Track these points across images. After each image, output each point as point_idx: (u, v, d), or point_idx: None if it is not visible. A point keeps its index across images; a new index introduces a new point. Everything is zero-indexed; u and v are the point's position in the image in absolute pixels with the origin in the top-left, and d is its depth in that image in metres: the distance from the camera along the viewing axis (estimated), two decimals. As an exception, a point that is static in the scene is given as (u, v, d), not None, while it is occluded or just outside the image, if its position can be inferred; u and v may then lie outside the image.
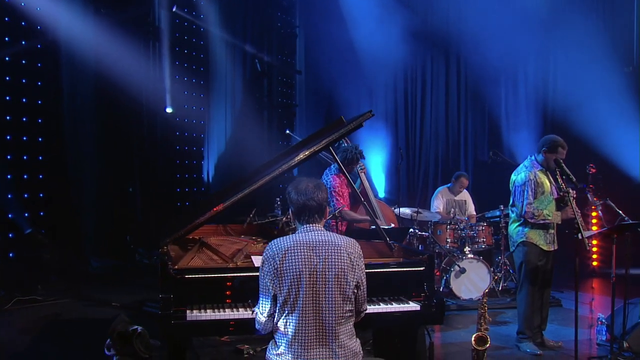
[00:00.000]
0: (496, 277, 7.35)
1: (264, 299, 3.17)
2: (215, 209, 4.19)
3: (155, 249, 9.56)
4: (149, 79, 9.65)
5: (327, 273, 3.09)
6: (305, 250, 3.12)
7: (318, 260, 3.10)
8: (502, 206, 7.61)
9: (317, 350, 3.06)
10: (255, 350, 5.33)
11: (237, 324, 3.57)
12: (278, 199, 6.95)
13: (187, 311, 3.56)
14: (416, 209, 7.43)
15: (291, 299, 3.07)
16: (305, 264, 3.08)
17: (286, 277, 3.07)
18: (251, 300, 3.71)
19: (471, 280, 7.07)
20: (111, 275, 8.77)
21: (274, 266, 3.11)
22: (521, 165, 5.56)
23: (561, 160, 4.93)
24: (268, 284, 3.13)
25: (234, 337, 5.48)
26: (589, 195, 5.15)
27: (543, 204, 5.32)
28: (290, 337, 3.07)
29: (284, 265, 3.08)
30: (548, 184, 5.39)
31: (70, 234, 8.71)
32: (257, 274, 3.72)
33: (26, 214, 7.86)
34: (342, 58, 11.76)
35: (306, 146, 4.48)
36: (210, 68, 10.80)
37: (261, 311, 3.19)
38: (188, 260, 4.21)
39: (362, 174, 6.37)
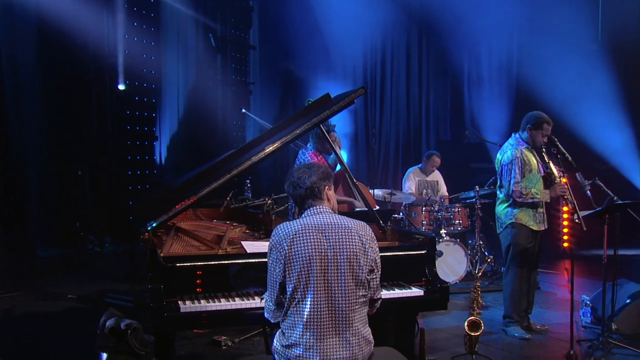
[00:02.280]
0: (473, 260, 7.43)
1: (271, 287, 3.08)
2: (199, 193, 4.02)
3: (107, 236, 9.31)
4: (100, 54, 9.29)
5: (338, 257, 3.01)
6: (315, 234, 3.03)
7: (328, 244, 3.02)
8: (477, 187, 7.68)
9: (331, 339, 2.98)
10: (234, 341, 5.21)
11: (235, 314, 3.45)
12: (248, 180, 6.80)
13: (179, 302, 3.42)
14: (390, 190, 7.41)
15: (301, 286, 2.97)
16: (315, 249, 2.99)
17: (295, 263, 2.98)
18: (247, 289, 3.62)
19: (448, 264, 7.11)
20: (61, 265, 8.42)
21: (281, 252, 3.01)
22: (506, 144, 5.57)
23: (555, 139, 4.96)
24: (277, 271, 3.03)
25: (209, 329, 5.34)
26: (577, 175, 5.18)
27: (531, 182, 5.36)
28: (302, 326, 2.98)
29: (293, 250, 2.99)
30: (535, 161, 5.42)
31: (14, 221, 8.32)
32: (252, 260, 3.68)
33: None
34: (299, 33, 11.62)
35: (293, 125, 4.36)
36: (161, 41, 10.44)
37: (270, 299, 3.11)
38: (167, 248, 4.05)
39: (337, 147, 6.23)
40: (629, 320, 5.27)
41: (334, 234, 3.05)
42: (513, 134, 5.56)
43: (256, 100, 12.36)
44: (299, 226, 3.05)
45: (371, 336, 3.15)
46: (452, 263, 7.11)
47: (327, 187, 3.23)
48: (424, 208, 7.39)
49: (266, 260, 3.62)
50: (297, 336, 2.99)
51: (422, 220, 7.35)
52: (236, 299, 3.53)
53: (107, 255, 9.09)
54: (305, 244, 2.99)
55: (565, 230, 9.13)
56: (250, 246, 3.94)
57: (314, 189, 3.16)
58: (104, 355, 3.04)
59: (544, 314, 6.13)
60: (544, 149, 5.33)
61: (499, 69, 11.80)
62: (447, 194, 8.24)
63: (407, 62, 12.31)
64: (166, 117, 10.72)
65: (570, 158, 4.90)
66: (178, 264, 3.53)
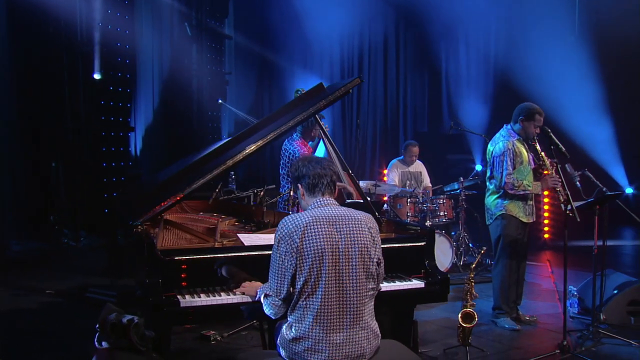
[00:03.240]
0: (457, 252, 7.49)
1: (279, 281, 3.02)
2: (192, 185, 3.96)
3: (83, 229, 9.16)
4: (74, 42, 9.11)
5: (350, 250, 3.00)
6: (326, 226, 3.00)
7: (340, 237, 3.00)
8: (461, 178, 7.73)
9: (340, 333, 2.97)
10: (223, 335, 5.17)
11: (236, 308, 3.41)
12: (232, 172, 6.74)
13: (179, 297, 3.37)
14: (374, 182, 7.42)
15: (312, 280, 2.95)
16: (327, 241, 2.97)
17: (307, 256, 2.95)
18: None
19: (433, 255, 7.13)
20: (35, 260, 8.26)
21: (292, 245, 2.97)
22: (498, 135, 5.60)
23: (548, 129, 5.00)
24: (286, 264, 2.98)
25: (208, 323, 5.30)
26: (567, 167, 5.22)
27: (522, 174, 5.40)
28: (311, 320, 2.95)
29: (304, 243, 2.96)
30: (526, 153, 5.47)
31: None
32: (252, 253, 3.64)
33: None
34: (276, 22, 11.56)
35: (288, 115, 4.34)
36: (136, 29, 10.28)
37: (276, 293, 3.05)
38: (160, 241, 3.99)
39: (325, 133, 6.19)
40: (616, 311, 5.36)
41: (345, 226, 3.03)
42: (505, 125, 5.59)
43: (232, 90, 12.27)
44: (310, 218, 3.02)
45: (378, 329, 3.15)
46: (437, 254, 7.08)
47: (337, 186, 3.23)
48: (408, 200, 7.41)
49: (266, 252, 3.63)
50: (306, 329, 2.97)
51: (407, 212, 7.38)
52: (236, 292, 3.49)
53: (82, 249, 8.94)
54: (318, 237, 2.97)
55: (546, 221, 9.28)
56: (247, 239, 3.90)
57: (334, 178, 3.16)
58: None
59: (531, 305, 6.20)
60: (536, 140, 5.37)
61: (477, 60, 11.90)
62: (430, 184, 8.28)
63: (384, 53, 12.31)
64: (141, 108, 10.59)
65: (563, 149, 4.94)
66: (176, 257, 3.47)
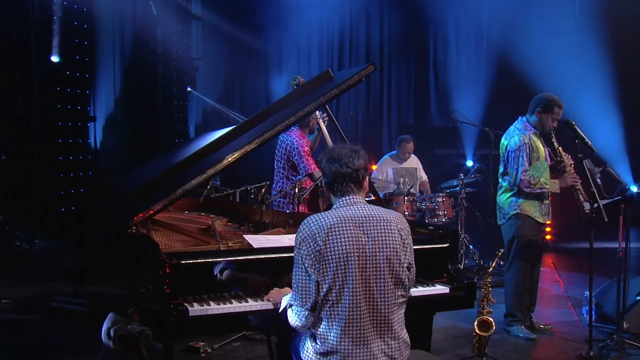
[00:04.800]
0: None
1: (303, 289, 2.98)
2: (192, 181, 3.91)
3: (38, 231, 8.97)
4: (26, 19, 8.91)
5: (377, 254, 2.98)
6: (352, 228, 2.98)
7: (367, 240, 2.98)
8: (461, 175, 7.79)
9: (372, 345, 2.96)
10: (213, 347, 5.11)
11: (256, 317, 3.39)
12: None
13: (186, 305, 3.32)
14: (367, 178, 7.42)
15: (337, 287, 2.92)
16: (353, 244, 2.95)
17: (331, 261, 2.92)
18: (259, 289, 3.55)
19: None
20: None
21: (315, 248, 2.94)
22: (512, 128, 5.64)
23: (573, 122, 5.05)
24: (308, 269, 2.95)
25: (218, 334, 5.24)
26: (586, 162, 5.22)
27: (539, 171, 5.45)
28: (339, 331, 2.93)
29: (328, 246, 2.93)
30: (543, 148, 5.53)
31: None
32: (265, 256, 3.61)
33: None
34: (249, 3, 11.50)
35: (296, 104, 4.33)
36: (94, 7, 10.09)
37: (301, 304, 3.00)
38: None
39: (324, 125, 6.20)
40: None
41: (372, 228, 3.01)
42: (520, 117, 5.63)
43: (201, 77, 12.18)
44: (334, 219, 2.99)
45: (409, 339, 3.16)
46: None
47: (367, 177, 3.21)
48: (405, 198, 7.45)
49: (278, 255, 3.63)
50: (334, 342, 2.95)
51: (405, 211, 7.41)
52: (249, 300, 3.46)
53: (38, 252, 8.76)
54: (343, 239, 2.94)
55: (548, 222, 9.40)
56: (254, 240, 3.87)
57: (359, 173, 3.11)
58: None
59: (544, 312, 6.29)
60: (553, 135, 5.43)
61: (468, 46, 11.98)
62: (426, 179, 8.34)
63: (367, 37, 12.33)
64: (101, 96, 10.42)
65: (590, 143, 5.01)
66: (183, 262, 3.42)
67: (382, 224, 3.04)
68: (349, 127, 9.47)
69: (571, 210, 5.81)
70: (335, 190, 3.14)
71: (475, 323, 4.80)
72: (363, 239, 2.98)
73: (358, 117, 12.17)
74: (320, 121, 6.12)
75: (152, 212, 3.77)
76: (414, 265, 3.16)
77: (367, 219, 3.03)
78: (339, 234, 2.95)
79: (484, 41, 11.73)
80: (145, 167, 5.72)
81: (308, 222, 3.03)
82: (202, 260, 3.47)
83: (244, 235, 3.99)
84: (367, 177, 3.20)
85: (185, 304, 3.32)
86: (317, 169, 5.88)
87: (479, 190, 8.29)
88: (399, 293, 3.06)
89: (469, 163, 11.05)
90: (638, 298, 5.56)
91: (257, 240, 3.87)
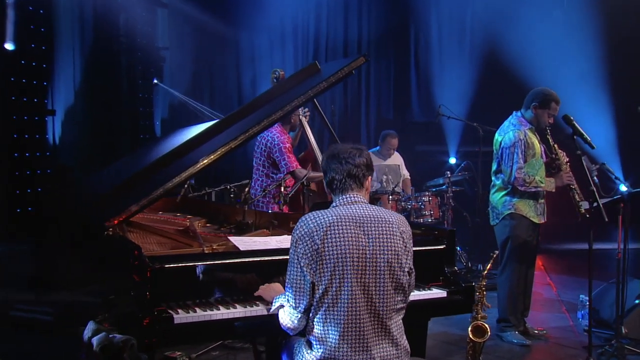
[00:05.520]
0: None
1: (296, 290, 3.02)
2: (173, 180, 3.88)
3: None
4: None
5: (378, 257, 3.00)
6: (352, 228, 3.00)
7: (367, 241, 3.01)
8: (448, 173, 7.85)
9: (373, 351, 2.98)
10: (191, 356, 5.09)
11: (244, 324, 3.38)
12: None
13: (170, 311, 3.30)
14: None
15: (333, 288, 2.94)
16: (352, 245, 2.97)
17: (328, 261, 2.94)
18: (248, 294, 3.55)
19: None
20: None
21: (312, 246, 2.96)
22: (506, 123, 5.70)
23: (571, 117, 5.11)
24: (304, 269, 2.97)
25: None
26: (583, 160, 5.29)
27: (534, 168, 5.52)
28: (337, 336, 2.95)
29: (326, 245, 2.95)
30: (538, 145, 5.59)
31: None
32: (250, 259, 3.60)
33: None
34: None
35: (280, 99, 4.33)
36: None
37: (294, 305, 3.03)
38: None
39: (306, 122, 6.21)
40: (639, 323, 5.54)
41: (374, 228, 3.03)
42: (514, 112, 5.69)
43: (168, 69, 12.05)
44: (333, 217, 3.01)
45: (409, 346, 3.18)
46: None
47: (369, 177, 3.22)
48: (390, 197, 7.49)
49: (267, 258, 3.63)
50: (332, 348, 2.96)
51: (389, 211, 7.43)
52: (237, 306, 3.45)
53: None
54: (341, 239, 2.96)
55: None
56: (241, 242, 3.86)
57: (359, 171, 3.13)
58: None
59: (537, 317, 6.37)
60: (548, 131, 5.50)
61: (450, 38, 12.06)
62: (409, 177, 8.39)
63: (345, 29, 12.33)
64: (60, 87, 10.25)
65: (589, 139, 5.07)
66: (167, 265, 3.40)
67: (384, 225, 3.06)
68: (331, 123, 9.43)
69: (560, 210, 5.90)
70: (334, 188, 3.17)
71: (469, 329, 4.81)
72: (363, 240, 3.00)
73: (335, 111, 12.15)
74: (302, 117, 6.14)
75: (133, 212, 3.74)
76: (414, 270, 3.19)
77: (368, 219, 3.05)
78: (338, 233, 2.97)
79: (467, 31, 11.84)
80: (116, 165, 5.67)
81: (306, 219, 3.04)
82: (187, 264, 3.46)
83: (229, 237, 3.98)
84: (369, 178, 3.22)
85: (170, 311, 3.30)
86: (299, 167, 5.88)
87: (467, 189, 8.36)
88: (399, 298, 3.09)
89: (452, 160, 11.14)
90: (637, 302, 5.64)
91: (243, 243, 3.86)
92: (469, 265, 7.89)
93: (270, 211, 5.24)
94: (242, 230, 4.63)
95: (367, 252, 2.99)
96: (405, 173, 8.45)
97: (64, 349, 5.32)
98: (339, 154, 3.15)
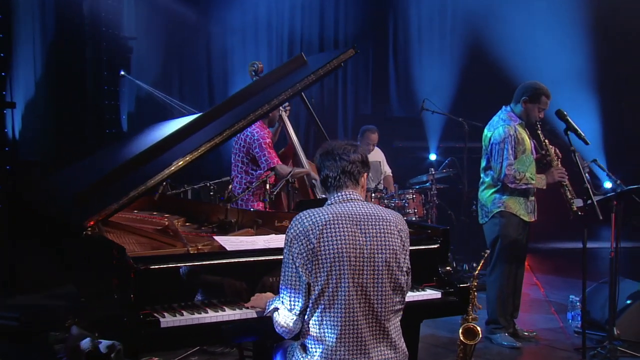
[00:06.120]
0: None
1: (292, 291, 3.04)
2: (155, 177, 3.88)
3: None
4: None
5: (376, 256, 3.04)
6: (349, 226, 3.04)
7: (365, 240, 3.04)
8: (432, 169, 7.92)
9: (372, 354, 3.02)
10: (169, 363, 5.10)
11: (234, 327, 3.39)
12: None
13: (156, 315, 3.30)
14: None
15: (330, 289, 2.97)
16: (349, 244, 3.00)
17: (325, 260, 2.97)
18: (238, 296, 3.56)
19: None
20: None
21: (308, 246, 2.99)
22: (496, 118, 5.76)
23: (565, 112, 5.19)
24: (299, 269, 3.00)
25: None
26: (577, 156, 5.36)
27: (524, 165, 5.60)
28: (333, 340, 2.98)
29: (322, 244, 2.98)
30: (528, 140, 5.67)
31: None
32: (238, 260, 3.62)
33: None
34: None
35: (265, 92, 4.34)
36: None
37: (289, 307, 3.06)
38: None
39: (286, 115, 6.23)
40: (631, 324, 5.64)
41: (371, 227, 3.07)
42: (504, 107, 5.76)
43: (136, 59, 11.95)
44: (330, 215, 3.03)
45: (407, 349, 3.22)
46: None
47: (365, 174, 3.26)
48: (373, 194, 7.53)
49: (256, 259, 3.64)
50: (328, 351, 2.99)
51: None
52: (226, 308, 3.46)
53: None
54: (338, 238, 2.99)
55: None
56: (227, 242, 3.87)
57: (354, 167, 3.17)
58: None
59: (526, 318, 6.46)
60: (539, 126, 5.58)
61: (430, 29, 12.13)
62: (391, 173, 8.45)
63: (320, 20, 12.34)
64: (20, 79, 10.13)
65: (583, 135, 5.16)
66: (152, 267, 3.40)
67: (381, 223, 3.10)
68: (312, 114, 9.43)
69: (544, 208, 5.98)
70: (329, 186, 3.20)
71: (460, 331, 4.87)
72: (361, 239, 3.03)
73: (314, 105, 12.14)
74: (282, 112, 6.16)
75: (113, 210, 3.73)
76: (410, 269, 3.24)
77: (365, 217, 3.09)
78: (335, 232, 3.00)
79: (448, 23, 11.91)
80: (89, 161, 5.64)
81: (301, 218, 3.07)
82: (173, 265, 3.46)
83: (215, 237, 3.98)
84: (365, 174, 3.25)
85: (156, 314, 3.31)
86: (279, 163, 5.90)
87: (451, 186, 8.44)
88: (397, 299, 3.13)
89: (432, 156, 11.20)
90: (628, 302, 5.74)
91: (230, 243, 3.86)
92: (454, 265, 7.97)
93: (252, 209, 5.25)
94: (224, 230, 4.63)
95: (365, 251, 3.02)
96: (386, 170, 8.51)
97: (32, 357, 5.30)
98: (333, 151, 3.19)
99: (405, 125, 11.65)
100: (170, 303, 3.46)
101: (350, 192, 3.17)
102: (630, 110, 10.62)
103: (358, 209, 3.10)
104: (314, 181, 5.93)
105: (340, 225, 3.01)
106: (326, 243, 2.98)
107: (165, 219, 4.92)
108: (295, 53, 12.16)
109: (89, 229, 3.76)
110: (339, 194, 3.16)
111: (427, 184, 7.96)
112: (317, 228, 2.99)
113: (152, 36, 11.73)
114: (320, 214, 3.04)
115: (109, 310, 3.37)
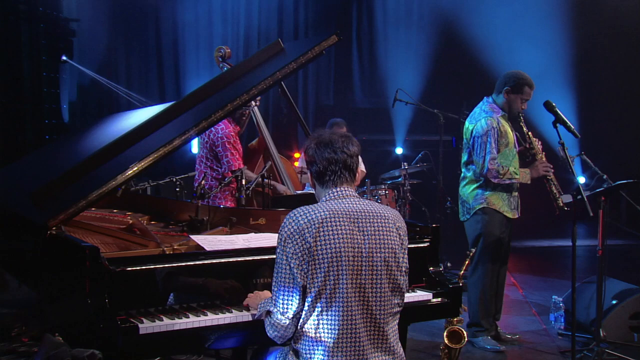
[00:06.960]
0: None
1: (286, 293, 3.02)
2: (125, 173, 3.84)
3: None
4: None
5: (374, 255, 3.05)
6: (346, 224, 3.03)
7: (363, 238, 3.04)
8: (405, 164, 7.98)
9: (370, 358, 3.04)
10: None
11: (210, 333, 3.38)
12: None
13: (133, 320, 3.27)
14: (299, 168, 7.50)
15: (327, 292, 2.97)
16: (347, 243, 3.00)
17: (322, 261, 2.96)
18: (221, 299, 3.55)
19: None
20: None
21: (303, 245, 2.97)
22: (477, 110, 5.81)
23: (553, 104, 5.25)
24: (294, 270, 2.98)
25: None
26: (565, 150, 5.39)
27: (507, 159, 5.66)
28: (330, 344, 2.97)
29: (319, 243, 2.97)
30: (512, 133, 5.74)
31: None
32: (219, 261, 3.60)
33: None
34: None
35: (241, 81, 4.33)
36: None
37: (282, 310, 3.04)
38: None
39: (256, 107, 6.21)
40: (617, 326, 5.78)
41: (369, 224, 3.07)
42: (485, 98, 5.82)
43: (78, 43, 11.78)
44: (326, 212, 3.03)
45: (404, 354, 3.25)
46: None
47: (359, 168, 3.28)
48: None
49: (239, 259, 3.64)
50: (325, 357, 2.98)
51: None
52: (208, 313, 3.44)
53: None
54: (335, 236, 2.98)
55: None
56: (205, 242, 3.85)
57: (354, 160, 3.18)
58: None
59: (507, 320, 6.55)
60: (522, 118, 5.66)
61: (396, 16, 12.19)
62: (365, 170, 8.48)
63: (279, 7, 12.31)
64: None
65: (573, 127, 5.24)
66: (129, 268, 3.37)
67: (379, 220, 3.11)
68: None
69: (523, 205, 6.07)
70: (326, 180, 3.18)
71: (445, 334, 4.93)
72: (359, 237, 3.03)
73: (269, 97, 12.16)
74: (252, 102, 6.14)
75: (80, 208, 3.68)
76: (408, 269, 3.26)
77: (363, 214, 3.09)
78: (332, 230, 2.99)
79: (414, 9, 11.96)
80: (39, 156, 5.56)
81: (295, 215, 3.05)
82: (152, 267, 3.43)
83: (191, 236, 3.96)
84: (359, 168, 3.27)
85: (133, 320, 3.28)
86: (242, 166, 5.85)
87: (425, 181, 8.51)
88: (396, 301, 3.14)
89: (399, 150, 11.29)
90: (614, 302, 5.86)
91: (207, 242, 3.85)
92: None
93: (221, 207, 5.23)
94: (196, 229, 4.59)
95: (363, 250, 3.02)
96: (361, 165, 8.52)
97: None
98: (331, 142, 3.16)
99: (370, 117, 11.69)
100: (146, 307, 3.42)
101: (347, 189, 3.17)
102: (602, 106, 10.81)
103: (355, 205, 3.10)
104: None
105: (338, 223, 3.01)
106: (323, 242, 2.97)
107: (129, 217, 4.88)
108: (252, 40, 12.19)
109: (54, 228, 3.72)
110: (337, 189, 3.16)
111: (399, 179, 8.01)
112: (313, 226, 2.98)
113: (96, 18, 11.57)
114: (316, 211, 3.03)
115: (80, 316, 3.33)
